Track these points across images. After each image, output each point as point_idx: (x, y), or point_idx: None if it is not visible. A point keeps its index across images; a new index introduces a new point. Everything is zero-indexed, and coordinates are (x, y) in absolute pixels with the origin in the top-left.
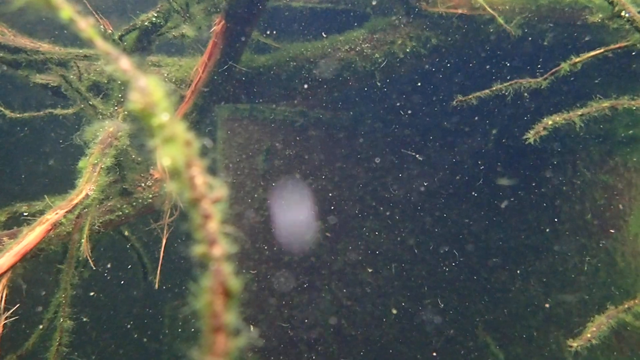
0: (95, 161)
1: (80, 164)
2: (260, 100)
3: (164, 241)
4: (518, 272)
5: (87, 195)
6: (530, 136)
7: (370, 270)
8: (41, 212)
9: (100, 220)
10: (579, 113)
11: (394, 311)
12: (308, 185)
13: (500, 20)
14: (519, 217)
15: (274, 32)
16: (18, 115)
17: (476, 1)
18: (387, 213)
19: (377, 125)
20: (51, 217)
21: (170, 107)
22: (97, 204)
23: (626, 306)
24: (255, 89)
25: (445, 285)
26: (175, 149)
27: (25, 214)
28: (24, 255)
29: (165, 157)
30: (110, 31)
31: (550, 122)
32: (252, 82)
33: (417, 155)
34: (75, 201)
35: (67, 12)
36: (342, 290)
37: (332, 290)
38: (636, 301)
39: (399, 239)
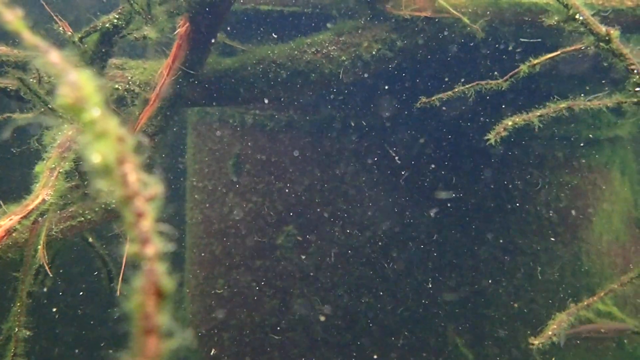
0: (53, 165)
1: (37, 168)
2: (228, 104)
3: (126, 247)
4: (486, 273)
5: (43, 200)
6: (491, 137)
7: (340, 272)
8: None
9: (61, 227)
10: (538, 114)
11: (365, 313)
12: (278, 188)
13: (467, 21)
14: (485, 219)
15: (240, 35)
16: None
17: (440, 4)
18: (359, 215)
19: (347, 127)
20: (4, 223)
21: (102, 102)
22: (55, 209)
23: (585, 303)
24: (222, 92)
25: (415, 287)
26: (107, 144)
27: None
28: None
29: (95, 154)
30: (69, 33)
31: (510, 123)
32: (218, 85)
33: (396, 157)
34: (31, 207)
35: None
36: (313, 293)
37: (303, 293)
38: (595, 298)
39: (370, 241)
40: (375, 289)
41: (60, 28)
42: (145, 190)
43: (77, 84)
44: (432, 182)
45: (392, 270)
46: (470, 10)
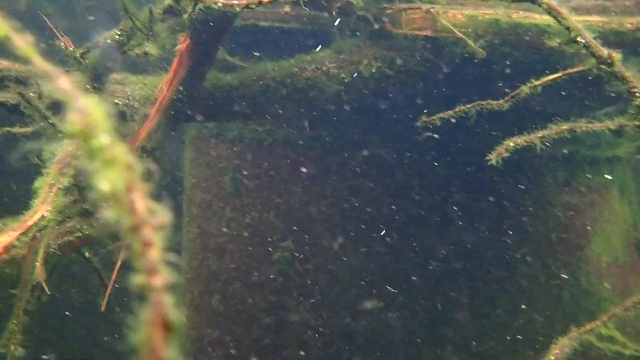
0: (52, 181)
1: (36, 184)
2: (228, 120)
3: (118, 263)
4: (485, 292)
5: (42, 216)
6: (493, 158)
7: (340, 287)
8: None
9: (59, 242)
10: (540, 135)
11: (363, 329)
12: (276, 204)
13: (470, 42)
14: (483, 239)
15: (241, 51)
16: None
17: (441, 23)
18: (357, 231)
19: (344, 144)
20: (3, 239)
21: (111, 128)
22: (53, 225)
23: (588, 327)
24: (222, 108)
25: (414, 307)
26: (115, 172)
27: None
28: None
29: (104, 182)
30: (71, 49)
31: (512, 144)
32: (218, 101)
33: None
34: (30, 223)
35: (2, 29)
36: (312, 310)
37: (301, 311)
38: (598, 323)
39: (369, 257)
40: (374, 307)
41: (62, 44)
42: (153, 218)
43: (86, 110)
44: (430, 196)
45: (390, 288)
46: (470, 30)
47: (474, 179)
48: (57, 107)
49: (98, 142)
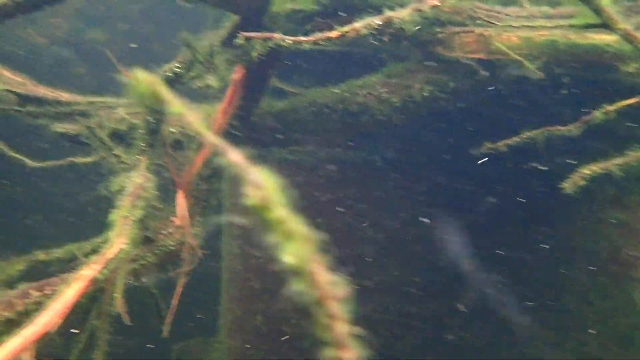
0: (126, 214)
1: (112, 216)
2: (280, 146)
3: (178, 289)
4: (533, 311)
5: (120, 249)
6: (567, 186)
7: (391, 311)
8: (59, 260)
9: (125, 270)
10: (616, 162)
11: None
12: (317, 224)
13: (527, 64)
14: (534, 257)
15: (293, 77)
16: (39, 165)
17: (495, 46)
18: (407, 253)
19: (393, 165)
20: (88, 272)
21: (285, 201)
22: (129, 257)
23: None
24: (275, 135)
25: (474, 330)
26: (295, 245)
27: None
28: (66, 312)
29: (288, 256)
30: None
31: (588, 172)
32: (271, 127)
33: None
34: (109, 255)
35: (177, 107)
36: (365, 334)
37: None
38: None
39: (417, 280)
40: (427, 332)
41: (122, 76)
42: (334, 291)
43: (260, 184)
44: (486, 217)
45: (450, 311)
46: (525, 51)
47: (525, 196)
48: (116, 137)
49: (275, 215)
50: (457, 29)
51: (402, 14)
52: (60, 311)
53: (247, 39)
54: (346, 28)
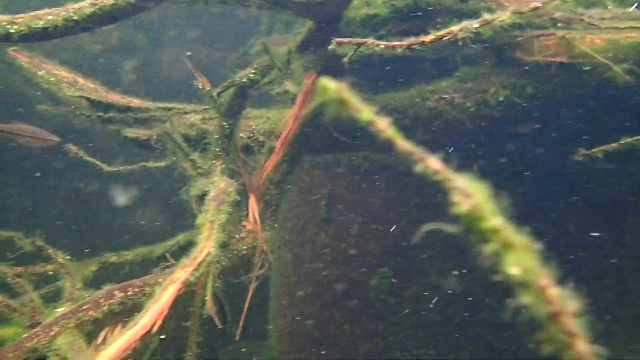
0: (212, 218)
1: (198, 220)
2: (348, 151)
3: (249, 294)
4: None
5: (208, 252)
6: None
7: (439, 317)
8: (131, 263)
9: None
10: None
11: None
12: (372, 230)
13: (615, 67)
14: (610, 272)
15: (364, 82)
16: (114, 169)
17: (579, 49)
18: (456, 258)
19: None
20: (181, 275)
21: (497, 209)
22: (217, 260)
23: None
24: (344, 140)
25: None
26: (516, 255)
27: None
28: (162, 314)
29: (511, 267)
30: (208, 87)
31: None
32: (340, 132)
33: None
34: (200, 259)
35: (367, 114)
36: (410, 339)
37: (400, 339)
38: None
39: (466, 284)
40: (478, 337)
41: (200, 84)
42: (567, 305)
43: (468, 191)
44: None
45: (494, 317)
46: (610, 54)
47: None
48: (186, 141)
49: (490, 224)
50: (537, 32)
51: (502, 16)
52: (158, 313)
53: (339, 44)
54: (442, 32)
